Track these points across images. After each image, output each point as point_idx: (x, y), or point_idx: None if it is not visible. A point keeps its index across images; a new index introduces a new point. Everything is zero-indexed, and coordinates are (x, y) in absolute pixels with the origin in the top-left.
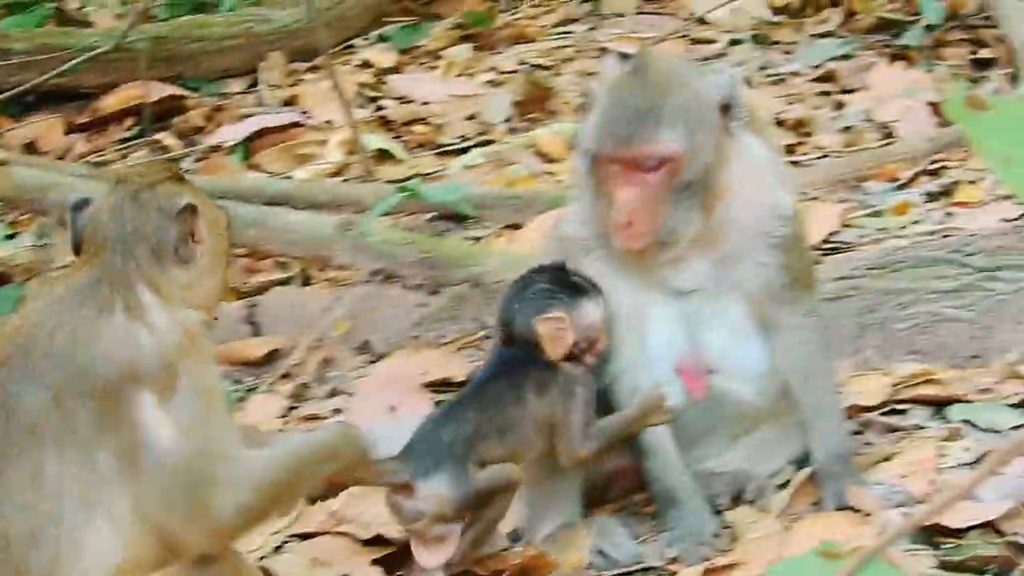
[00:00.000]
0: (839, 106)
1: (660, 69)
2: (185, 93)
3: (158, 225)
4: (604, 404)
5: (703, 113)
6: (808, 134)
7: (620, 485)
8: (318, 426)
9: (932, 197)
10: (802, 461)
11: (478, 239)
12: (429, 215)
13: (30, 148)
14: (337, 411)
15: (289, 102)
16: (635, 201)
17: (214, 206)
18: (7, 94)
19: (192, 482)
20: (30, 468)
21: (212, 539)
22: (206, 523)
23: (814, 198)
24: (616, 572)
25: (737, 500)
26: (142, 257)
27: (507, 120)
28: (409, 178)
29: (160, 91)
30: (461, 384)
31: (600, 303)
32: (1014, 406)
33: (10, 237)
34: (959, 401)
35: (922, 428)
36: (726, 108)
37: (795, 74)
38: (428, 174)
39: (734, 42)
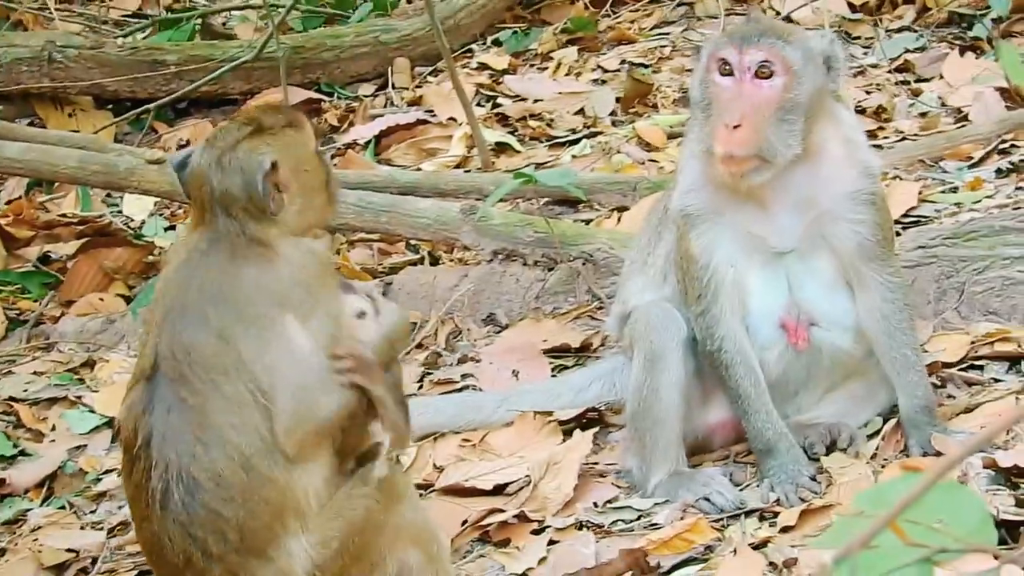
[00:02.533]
0: (915, 94)
1: (772, 19)
2: (321, 97)
3: (244, 187)
4: (712, 368)
5: (812, 55)
6: (888, 120)
7: (721, 436)
8: (451, 390)
9: (1003, 173)
10: (889, 414)
11: (588, 221)
12: (544, 200)
13: (185, 149)
14: (466, 376)
15: (415, 102)
16: (747, 105)
17: (298, 140)
18: (162, 101)
19: (317, 388)
20: (230, 393)
21: (303, 438)
22: (310, 422)
23: (895, 177)
24: (722, 516)
25: (831, 448)
26: (240, 214)
27: (612, 113)
28: (525, 167)
29: (299, 95)
30: (577, 351)
31: None
32: None
33: (169, 229)
34: None
35: (999, 382)
36: (828, 65)
37: (874, 66)
38: (542, 164)
39: None
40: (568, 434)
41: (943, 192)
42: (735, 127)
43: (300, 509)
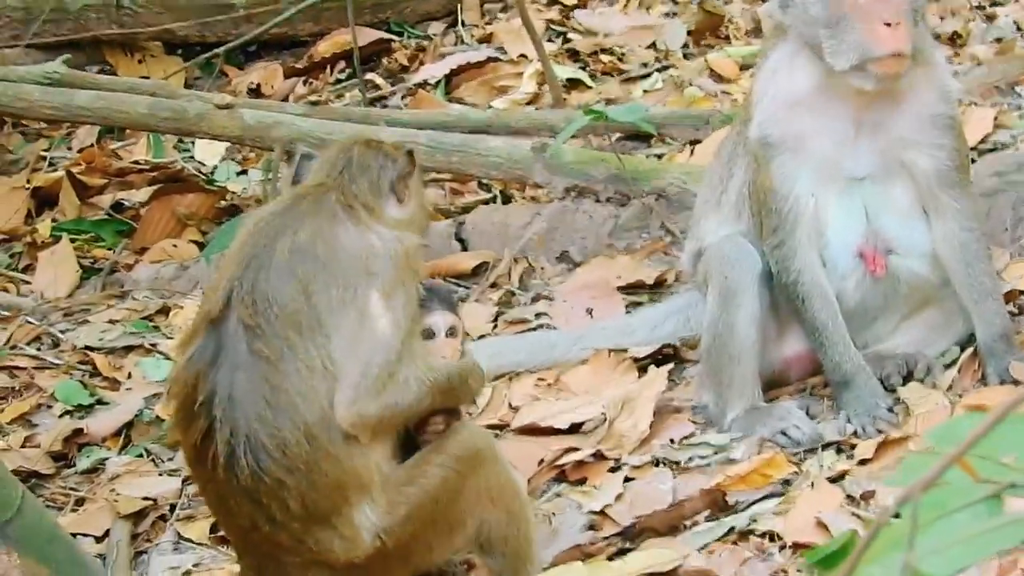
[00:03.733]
0: (991, 19)
1: None
2: (390, 36)
3: (381, 164)
4: (788, 300)
5: None
6: (963, 46)
7: (797, 370)
8: (525, 329)
9: None
10: (967, 343)
11: (661, 156)
12: (616, 136)
13: (255, 92)
14: (540, 315)
15: (485, 40)
16: (899, 3)
17: (416, 168)
18: (232, 44)
19: (386, 372)
20: (302, 356)
21: (363, 420)
22: (373, 404)
23: (970, 103)
24: (799, 450)
25: (907, 379)
26: (362, 185)
27: (683, 46)
28: (597, 103)
29: (368, 36)
30: (651, 287)
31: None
32: None
33: (241, 174)
34: None
35: None
36: None
37: None
38: (613, 99)
39: None
40: (643, 371)
41: (1019, 118)
42: (896, 24)
43: (363, 483)
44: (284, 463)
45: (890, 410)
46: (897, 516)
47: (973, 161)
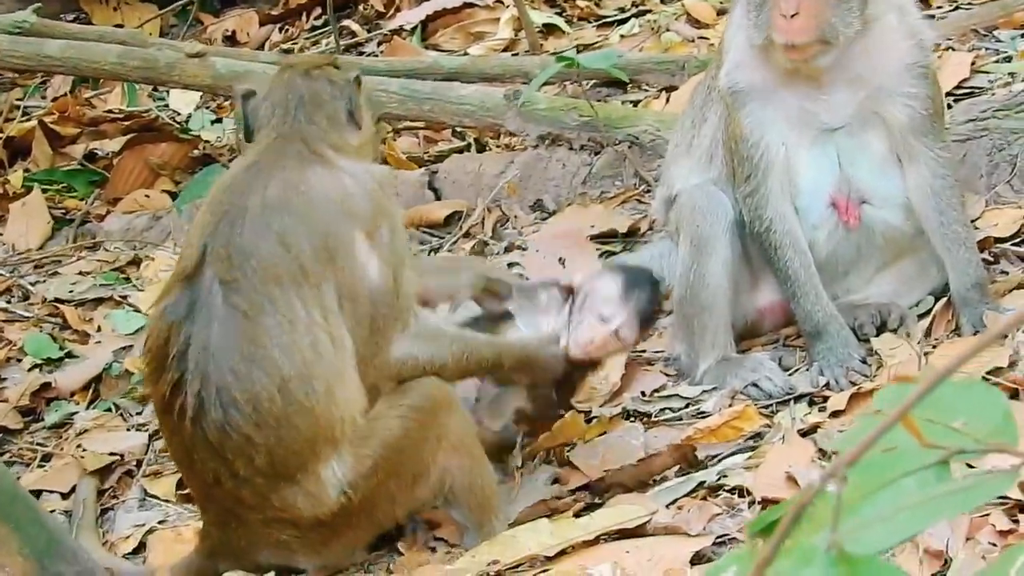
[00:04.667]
0: None
1: None
2: None
3: (332, 95)
4: (760, 250)
5: None
6: None
7: (770, 320)
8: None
9: None
10: (941, 293)
11: (636, 103)
12: (591, 83)
13: (230, 40)
14: (513, 264)
15: None
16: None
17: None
18: None
19: (385, 316)
20: (283, 310)
21: (378, 371)
22: (378, 355)
23: (947, 48)
24: (771, 402)
25: (881, 329)
26: (321, 122)
27: None
28: (573, 48)
29: None
30: (624, 235)
31: None
32: None
33: (215, 122)
34: None
35: None
36: None
37: None
38: (590, 45)
39: None
40: None
41: (996, 62)
42: (792, 16)
43: (334, 438)
44: (254, 418)
45: (863, 361)
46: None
47: (949, 107)
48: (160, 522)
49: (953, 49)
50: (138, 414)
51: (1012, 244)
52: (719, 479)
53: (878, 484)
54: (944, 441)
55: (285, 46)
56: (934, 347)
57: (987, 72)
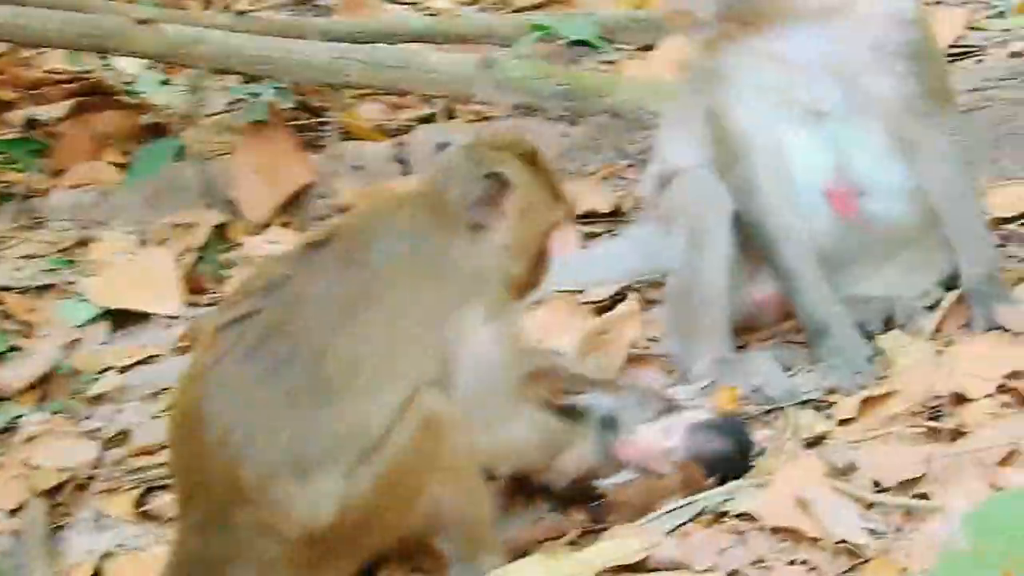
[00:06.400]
0: None
1: None
2: None
3: (467, 179)
4: (756, 243)
5: None
6: None
7: (770, 312)
8: None
9: None
10: (949, 281)
11: (612, 63)
12: (562, 40)
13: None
14: None
15: None
16: None
17: (550, 198)
18: None
19: (476, 402)
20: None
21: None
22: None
23: (938, 2)
24: (772, 407)
25: (888, 324)
26: (453, 202)
27: None
28: (542, 4)
29: None
30: (607, 215)
31: None
32: None
33: (164, 83)
34: None
35: None
36: None
37: None
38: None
39: None
40: (604, 311)
41: (990, 18)
42: None
43: (354, 447)
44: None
45: (871, 362)
46: None
47: None
48: (118, 545)
49: (945, 5)
50: (87, 418)
51: (1019, 224)
52: (724, 501)
53: None
54: None
55: (239, 6)
56: (946, 345)
57: (983, 29)
